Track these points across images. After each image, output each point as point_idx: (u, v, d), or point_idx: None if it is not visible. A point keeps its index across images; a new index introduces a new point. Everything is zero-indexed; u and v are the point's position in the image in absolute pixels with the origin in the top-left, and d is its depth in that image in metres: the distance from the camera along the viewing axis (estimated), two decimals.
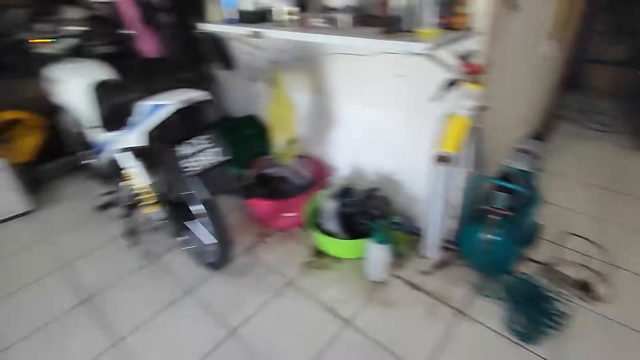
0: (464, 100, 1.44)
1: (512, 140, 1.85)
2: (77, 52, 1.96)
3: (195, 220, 1.76)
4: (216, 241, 1.68)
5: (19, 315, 1.75)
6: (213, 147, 1.52)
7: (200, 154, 1.48)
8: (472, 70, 1.44)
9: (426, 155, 1.72)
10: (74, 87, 1.71)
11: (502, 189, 1.61)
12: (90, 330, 1.65)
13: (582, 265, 1.78)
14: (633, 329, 1.52)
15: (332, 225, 1.90)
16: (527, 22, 1.66)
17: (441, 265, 1.84)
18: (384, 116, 1.88)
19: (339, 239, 1.86)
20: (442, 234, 1.86)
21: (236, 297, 1.76)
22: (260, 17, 1.75)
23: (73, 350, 1.57)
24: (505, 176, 1.64)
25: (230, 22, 1.84)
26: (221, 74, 2.74)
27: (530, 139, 1.84)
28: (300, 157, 2.28)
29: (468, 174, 1.70)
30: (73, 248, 2.14)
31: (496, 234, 1.62)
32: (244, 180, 2.11)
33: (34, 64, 2.00)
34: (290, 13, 1.63)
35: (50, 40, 1.94)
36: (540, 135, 1.87)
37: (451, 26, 1.37)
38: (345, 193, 2.01)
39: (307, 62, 2.05)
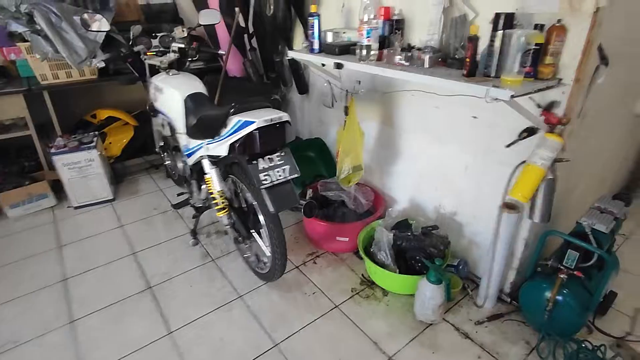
0: (541, 150, 1.40)
1: (592, 198, 1.74)
2: (176, 66, 2.22)
3: (257, 231, 1.86)
4: (272, 254, 1.76)
5: (92, 291, 1.95)
6: (284, 164, 1.62)
7: (273, 169, 1.58)
8: (553, 121, 1.41)
9: (491, 200, 1.68)
10: (172, 96, 1.93)
11: (574, 247, 1.52)
12: (149, 317, 1.78)
13: None
14: None
15: (384, 256, 1.89)
16: (619, 79, 1.60)
17: (496, 317, 1.74)
18: (451, 155, 1.88)
19: (390, 271, 1.84)
20: (501, 284, 1.78)
21: (282, 311, 1.81)
22: (342, 49, 1.86)
23: (132, 332, 1.71)
24: (580, 234, 1.54)
25: (312, 51, 1.98)
26: (295, 97, 2.91)
27: (612, 199, 1.72)
28: (360, 184, 2.33)
29: (536, 226, 1.62)
30: (143, 238, 2.34)
31: (562, 295, 1.51)
32: (305, 199, 2.20)
33: (143, 72, 2.30)
34: (371, 48, 1.71)
35: (156, 53, 2.22)
36: (623, 196, 1.73)
37: (537, 75, 1.36)
38: (401, 226, 2.00)
39: (380, 95, 2.12)
